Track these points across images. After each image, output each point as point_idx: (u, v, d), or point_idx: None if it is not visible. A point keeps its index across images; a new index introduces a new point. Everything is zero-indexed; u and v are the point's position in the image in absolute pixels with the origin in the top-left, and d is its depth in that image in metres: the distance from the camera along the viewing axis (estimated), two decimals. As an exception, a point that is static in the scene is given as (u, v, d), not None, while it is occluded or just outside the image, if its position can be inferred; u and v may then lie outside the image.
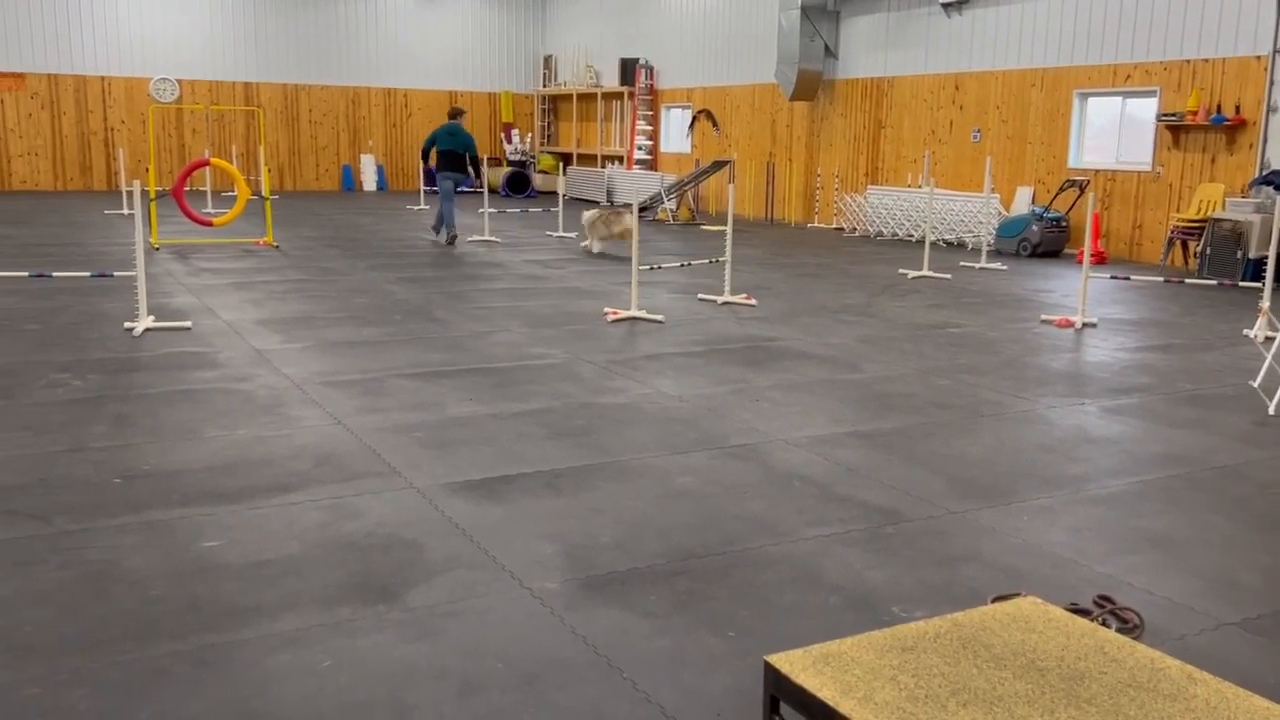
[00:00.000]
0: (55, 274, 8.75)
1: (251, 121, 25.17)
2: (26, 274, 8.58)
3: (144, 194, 18.87)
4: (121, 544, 3.93)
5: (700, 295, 10.36)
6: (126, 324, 8.18)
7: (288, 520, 4.21)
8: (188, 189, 23.09)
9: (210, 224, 13.52)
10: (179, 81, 24.18)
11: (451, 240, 14.73)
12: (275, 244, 14.16)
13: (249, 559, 3.82)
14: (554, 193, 25.49)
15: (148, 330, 8.02)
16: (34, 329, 8.01)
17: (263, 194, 14.52)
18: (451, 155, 14.68)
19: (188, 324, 8.24)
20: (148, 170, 23.91)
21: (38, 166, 23.38)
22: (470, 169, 14.77)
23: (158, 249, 13.44)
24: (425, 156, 15.44)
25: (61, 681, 2.95)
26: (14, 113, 22.95)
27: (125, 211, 18.49)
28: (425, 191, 23.73)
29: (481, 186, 16.23)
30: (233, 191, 24.04)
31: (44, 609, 3.39)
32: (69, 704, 2.84)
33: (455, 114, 15.03)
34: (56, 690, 2.91)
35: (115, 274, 8.48)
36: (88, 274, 8.61)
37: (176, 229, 15.72)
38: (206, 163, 13.30)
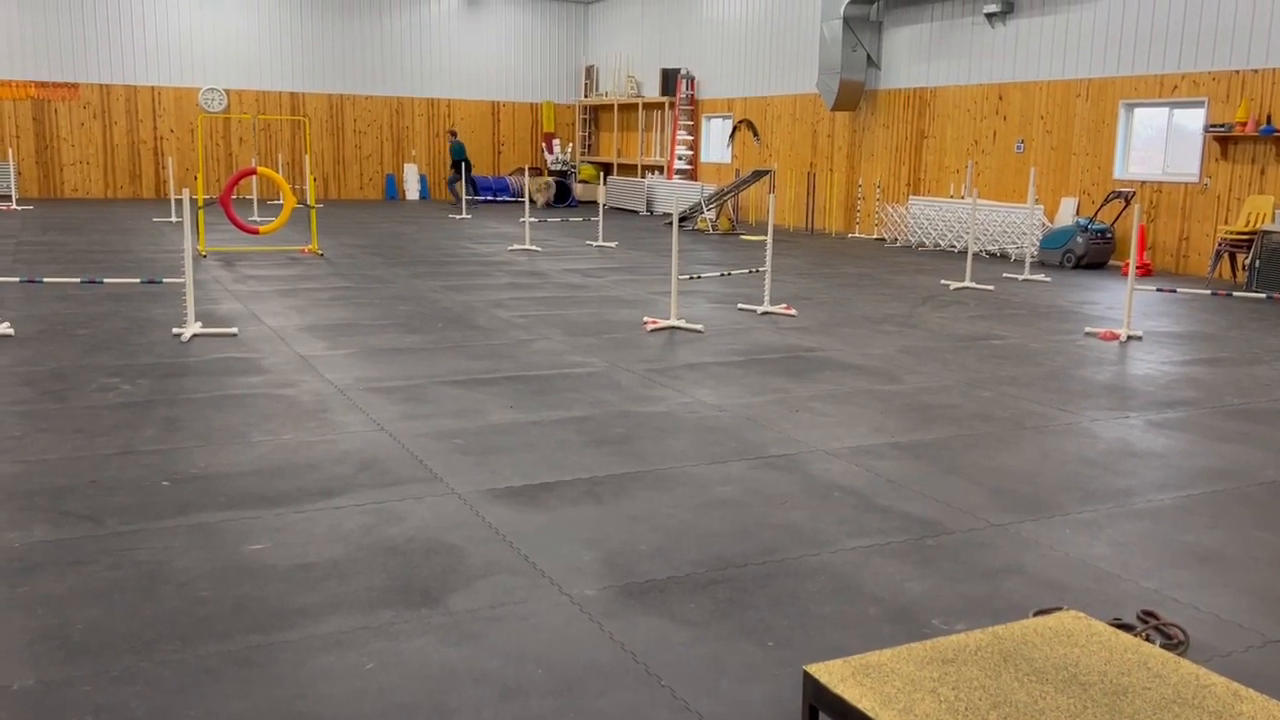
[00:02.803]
0: (106, 280, 8.93)
1: (297, 131, 25.52)
2: (78, 280, 8.76)
3: (192, 202, 19.16)
4: (170, 545, 4.01)
5: (740, 305, 10.36)
6: (175, 330, 8.33)
7: (332, 524, 4.27)
8: (235, 197, 23.45)
9: (256, 232, 13.72)
10: (227, 91, 24.58)
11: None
12: (320, 252, 14.34)
13: (294, 562, 3.88)
14: (594, 202, 25.60)
15: (195, 336, 8.16)
16: (85, 334, 8.18)
17: (308, 203, 14.71)
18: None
19: (234, 330, 8.37)
20: (196, 179, 24.32)
21: (89, 175, 23.86)
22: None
23: (205, 256, 13.66)
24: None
25: (113, 679, 3.02)
26: (67, 122, 23.45)
27: (173, 219, 18.82)
28: (467, 201, 23.91)
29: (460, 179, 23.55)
30: (278, 200, 24.38)
31: (96, 608, 3.47)
32: (120, 701, 2.90)
33: (452, 134, 23.96)
34: (108, 688, 2.97)
35: (164, 280, 8.64)
36: (137, 280, 8.77)
37: (223, 236, 15.98)
38: (253, 171, 13.51)
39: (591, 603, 3.59)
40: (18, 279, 8.67)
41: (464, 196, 22.30)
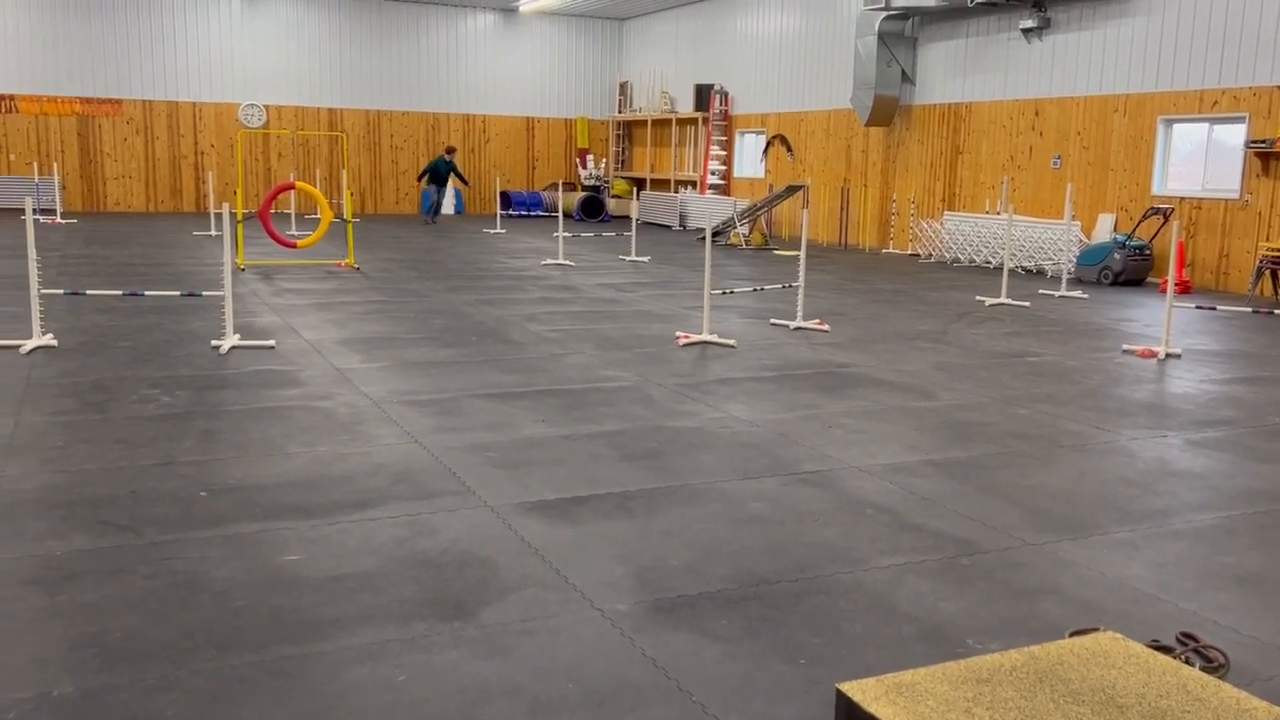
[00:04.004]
0: (147, 293, 9.07)
1: (335, 146, 25.82)
2: (120, 293, 8.91)
3: (231, 216, 19.41)
4: (207, 555, 4.05)
5: (773, 320, 10.34)
6: (213, 342, 8.44)
7: (365, 536, 4.30)
8: (273, 212, 23.74)
9: (294, 246, 13.87)
10: (266, 107, 24.92)
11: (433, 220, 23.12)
12: (356, 266, 14.48)
13: (328, 573, 3.91)
14: (627, 217, 25.67)
15: (233, 348, 8.26)
16: (126, 346, 8.30)
17: (345, 217, 14.87)
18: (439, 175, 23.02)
19: (272, 343, 8.46)
20: (235, 193, 24.65)
21: (131, 189, 24.25)
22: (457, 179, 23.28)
23: (244, 270, 13.83)
24: (421, 177, 23.10)
25: (150, 687, 3.05)
26: (110, 137, 23.86)
27: (213, 233, 19.07)
28: (502, 216, 24.08)
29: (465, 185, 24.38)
30: (316, 214, 24.65)
31: (134, 616, 3.51)
32: (157, 709, 2.93)
33: (450, 151, 23.19)
34: (145, 695, 3.01)
35: (203, 293, 8.76)
36: (177, 293, 8.90)
37: (262, 250, 16.17)
38: (291, 186, 13.67)
39: (623, 618, 3.59)
40: (62, 291, 8.82)
41: (437, 213, 23.41)
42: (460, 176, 23.16)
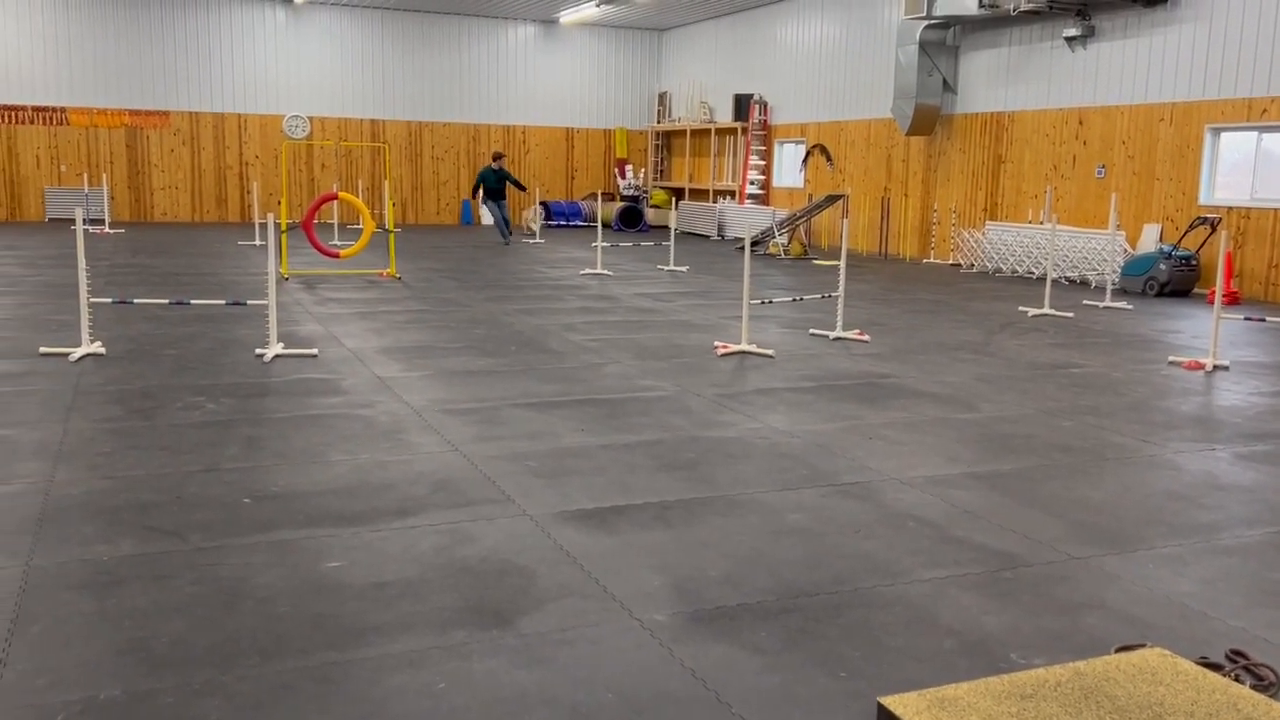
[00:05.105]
0: (193, 302, 9.21)
1: (377, 157, 26.09)
2: (167, 301, 9.05)
3: (275, 226, 19.69)
4: (251, 562, 4.10)
5: (812, 330, 10.30)
6: (257, 350, 8.54)
7: (406, 543, 4.33)
8: (316, 222, 24.03)
9: (337, 255, 14.02)
10: (310, 118, 25.23)
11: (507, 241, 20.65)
12: (397, 275, 14.60)
13: (369, 580, 3.94)
14: (666, 227, 25.69)
15: (277, 357, 8.36)
16: (172, 354, 8.42)
17: (386, 227, 15.00)
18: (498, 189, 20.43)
19: (314, 351, 8.55)
20: (279, 203, 24.98)
21: (177, 199, 24.64)
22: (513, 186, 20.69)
23: (287, 279, 14.00)
24: (475, 192, 20.67)
25: (194, 691, 3.09)
26: (158, 149, 24.28)
27: (257, 243, 19.33)
28: (541, 225, 24.17)
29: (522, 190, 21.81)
30: (358, 224, 24.90)
31: (178, 622, 3.56)
32: (201, 714, 2.97)
33: (497, 157, 20.46)
34: (189, 700, 3.04)
35: (248, 302, 8.88)
36: (222, 302, 9.03)
37: (305, 260, 16.36)
38: (334, 197, 13.83)
39: (661, 628, 3.59)
40: (110, 300, 8.98)
41: (508, 230, 20.55)
42: (515, 182, 20.45)
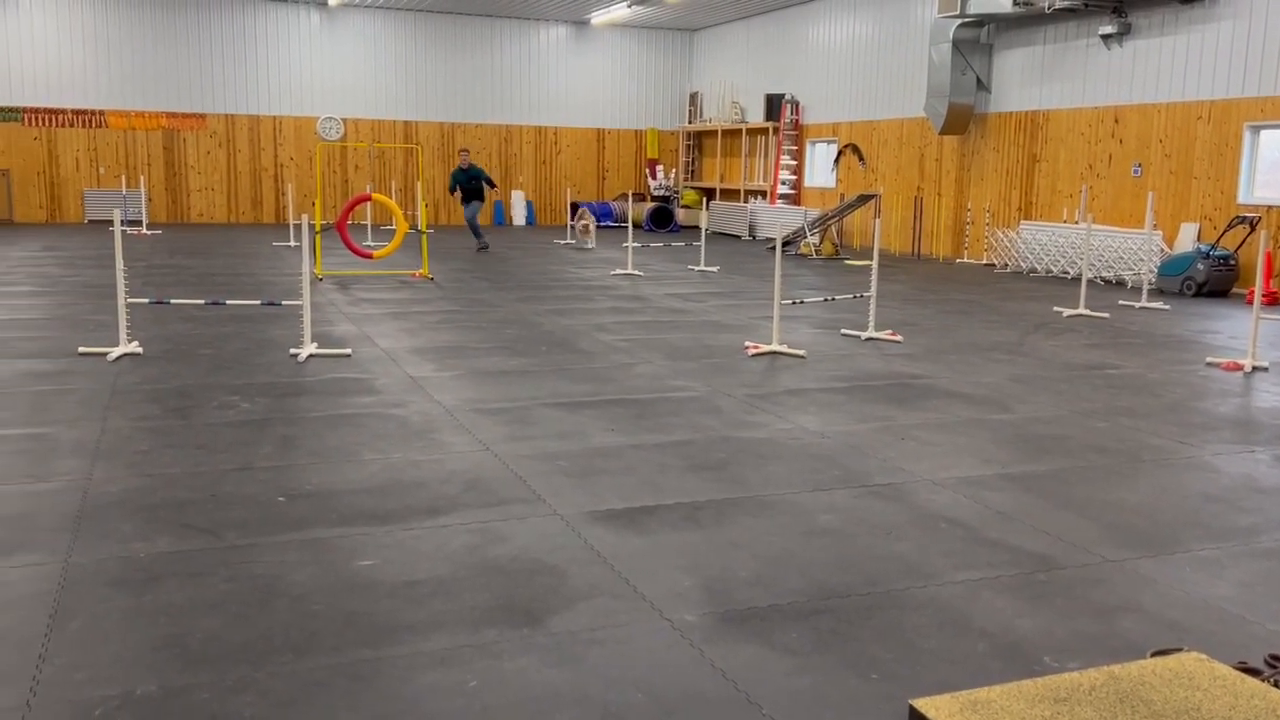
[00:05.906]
0: (228, 302, 9.31)
1: (410, 158, 26.25)
2: (203, 301, 9.15)
3: (310, 227, 19.88)
4: (285, 559, 4.14)
5: (843, 330, 10.25)
6: (292, 350, 8.62)
7: (438, 542, 4.35)
8: (350, 223, 24.22)
9: (370, 256, 14.12)
10: (344, 120, 25.43)
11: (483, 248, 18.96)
12: (430, 276, 14.69)
13: (401, 578, 3.97)
14: (697, 227, 25.66)
15: (311, 356, 8.43)
16: (208, 353, 8.52)
17: (419, 228, 15.09)
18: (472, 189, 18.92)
19: (348, 351, 8.62)
20: (314, 204, 25.19)
21: (213, 201, 24.92)
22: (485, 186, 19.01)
23: (321, 279, 14.12)
24: (453, 190, 19.18)
25: (229, 687, 3.13)
26: (194, 151, 24.56)
27: (292, 243, 19.50)
28: (572, 226, 24.24)
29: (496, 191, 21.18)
30: (391, 225, 25.07)
31: (213, 618, 3.60)
32: (236, 710, 3.00)
33: (464, 153, 19.23)
34: (224, 695, 3.08)
35: (282, 303, 8.96)
36: (257, 302, 9.12)
37: (339, 261, 16.49)
38: (368, 198, 13.93)
39: (692, 628, 3.59)
40: (147, 300, 9.09)
41: (478, 235, 19.05)
42: (487, 180, 18.78)
